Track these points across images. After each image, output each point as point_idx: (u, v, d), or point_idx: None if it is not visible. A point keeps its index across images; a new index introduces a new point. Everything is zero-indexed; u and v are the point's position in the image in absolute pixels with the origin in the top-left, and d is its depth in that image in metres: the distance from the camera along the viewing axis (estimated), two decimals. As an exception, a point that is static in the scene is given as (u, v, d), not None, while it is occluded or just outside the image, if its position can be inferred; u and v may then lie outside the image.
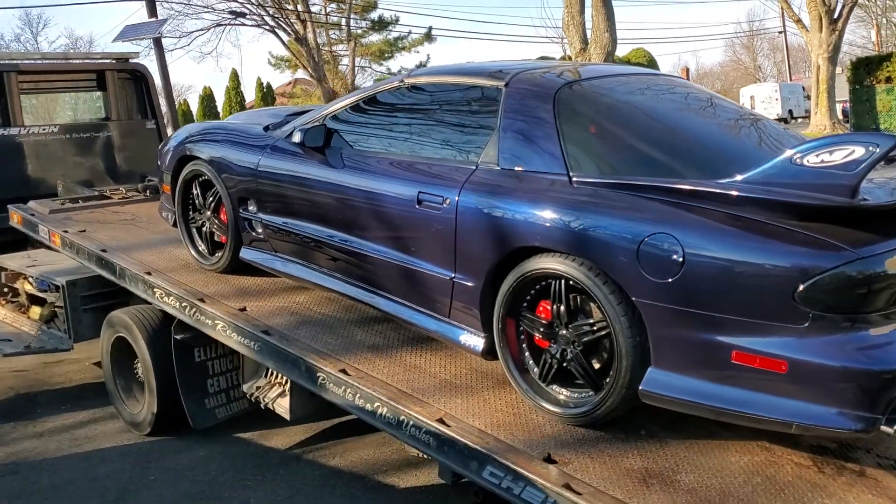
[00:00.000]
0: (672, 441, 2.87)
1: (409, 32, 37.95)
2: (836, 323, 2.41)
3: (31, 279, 5.79)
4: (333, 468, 4.43)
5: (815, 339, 2.41)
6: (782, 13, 42.48)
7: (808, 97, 37.56)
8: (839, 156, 2.39)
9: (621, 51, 12.30)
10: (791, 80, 49.90)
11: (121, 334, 4.91)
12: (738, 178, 2.58)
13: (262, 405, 4.20)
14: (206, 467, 4.51)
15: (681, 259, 2.54)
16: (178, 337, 4.42)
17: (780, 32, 53.51)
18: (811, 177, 2.42)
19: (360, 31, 37.03)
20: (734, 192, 2.55)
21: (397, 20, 37.53)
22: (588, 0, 12.01)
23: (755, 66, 65.51)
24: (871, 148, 2.34)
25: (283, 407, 4.06)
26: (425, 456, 3.65)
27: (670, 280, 2.57)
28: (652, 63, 44.59)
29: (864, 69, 27.54)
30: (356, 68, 35.55)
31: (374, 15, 37.70)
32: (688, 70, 64.33)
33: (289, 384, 3.97)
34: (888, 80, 26.68)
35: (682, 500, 2.52)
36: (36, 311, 5.78)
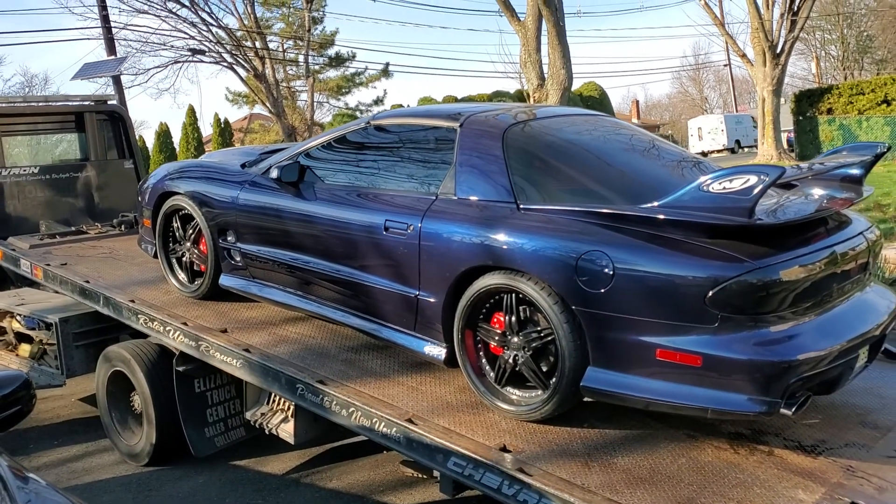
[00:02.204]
0: (610, 431, 3.31)
1: (366, 68, 38.56)
2: (742, 322, 2.88)
3: (18, 317, 5.91)
4: (332, 490, 4.64)
5: (724, 337, 2.88)
6: (727, 47, 44.03)
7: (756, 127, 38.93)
8: (738, 183, 2.88)
9: (574, 85, 12.89)
10: (737, 110, 51.52)
11: (118, 368, 5.07)
12: (657, 203, 3.05)
13: (266, 431, 4.32)
14: (207, 493, 4.69)
15: (611, 272, 3.00)
16: (179, 369, 4.63)
17: (725, 65, 55.38)
18: (716, 201, 2.90)
19: (317, 67, 37.53)
20: (654, 215, 3.02)
21: (354, 56, 38.13)
22: (544, 38, 12.54)
23: (702, 98, 67.56)
24: (762, 177, 2.84)
25: (286, 432, 4.20)
26: (420, 476, 4.02)
27: (603, 290, 3.02)
28: (603, 96, 45.84)
29: (807, 101, 28.79)
30: (314, 103, 36.03)
31: (332, 51, 38.30)
32: (637, 102, 66.05)
33: (291, 409, 4.15)
34: (829, 111, 27.94)
35: (618, 478, 2.95)
36: (25, 348, 5.89)
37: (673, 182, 3.34)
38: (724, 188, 2.90)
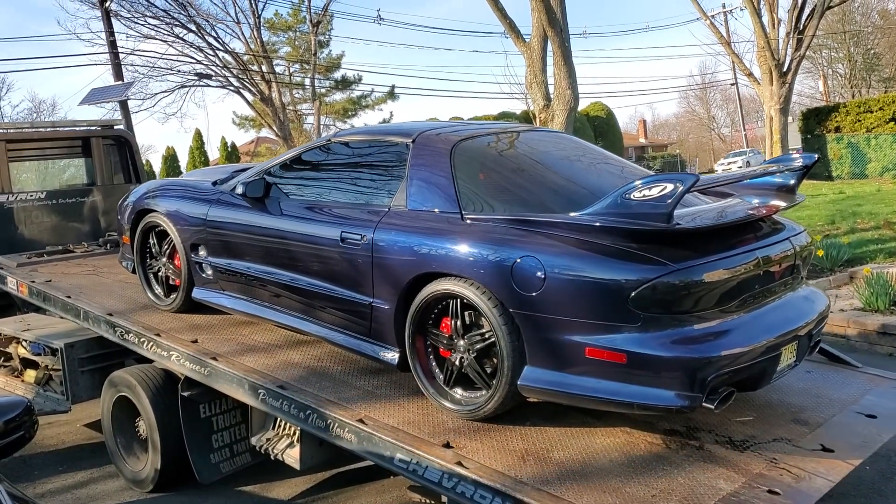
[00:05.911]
0: (550, 429, 3.47)
1: (372, 91, 39.11)
2: (664, 321, 3.04)
3: (24, 343, 5.96)
4: (338, 515, 4.61)
5: (647, 335, 3.04)
6: (734, 67, 44.15)
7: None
8: (656, 191, 3.05)
9: (580, 105, 12.90)
10: (745, 129, 51.61)
11: (123, 394, 5.02)
12: (584, 211, 3.23)
13: (271, 457, 4.28)
14: (212, 520, 4.66)
15: (543, 276, 3.17)
16: (184, 394, 4.58)
17: (732, 84, 55.51)
18: (636, 208, 3.07)
19: (323, 90, 38.02)
20: (580, 222, 3.20)
21: (360, 79, 38.70)
22: (550, 58, 12.65)
23: (709, 117, 67.67)
24: (677, 184, 3.01)
25: (292, 457, 4.16)
26: (427, 501, 4.09)
27: (535, 294, 3.19)
28: (610, 115, 46.02)
29: (815, 119, 28.88)
30: (321, 126, 36.45)
31: (338, 74, 38.84)
32: (644, 122, 66.31)
33: (297, 435, 4.11)
34: (837, 129, 28.03)
35: (551, 470, 3.11)
36: (31, 374, 5.90)
37: (606, 191, 3.51)
38: (644, 196, 3.07)
